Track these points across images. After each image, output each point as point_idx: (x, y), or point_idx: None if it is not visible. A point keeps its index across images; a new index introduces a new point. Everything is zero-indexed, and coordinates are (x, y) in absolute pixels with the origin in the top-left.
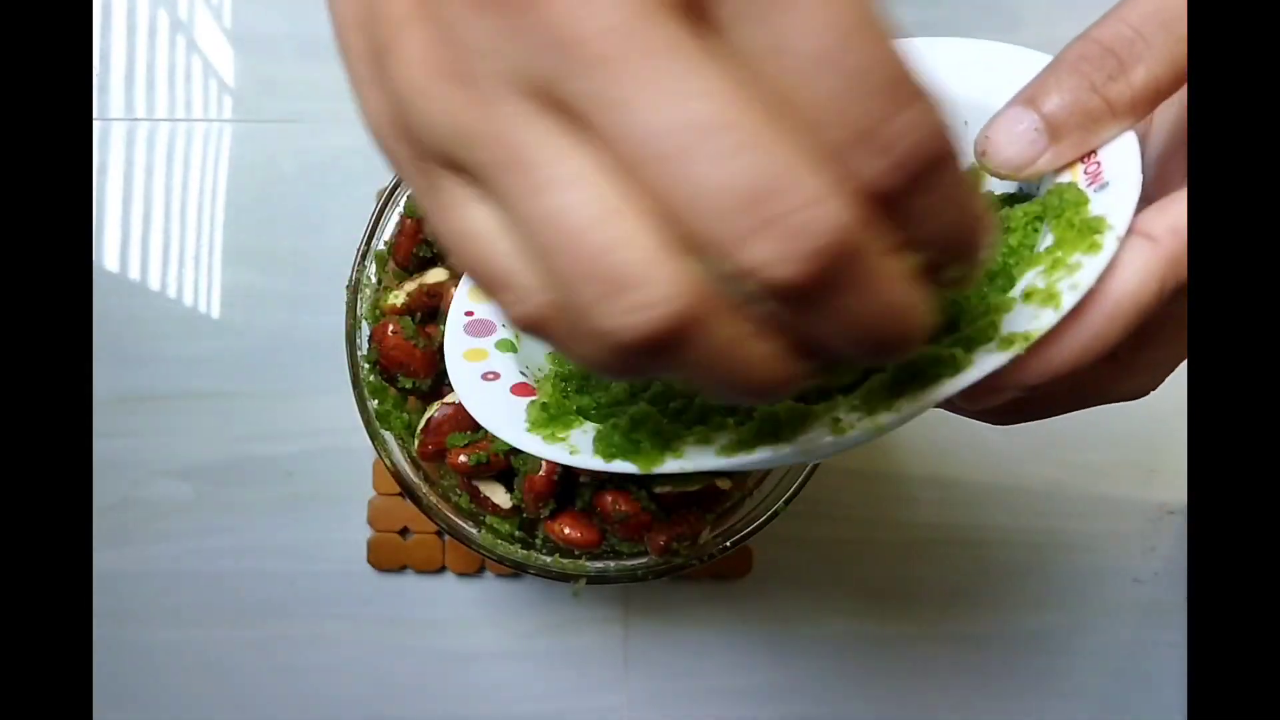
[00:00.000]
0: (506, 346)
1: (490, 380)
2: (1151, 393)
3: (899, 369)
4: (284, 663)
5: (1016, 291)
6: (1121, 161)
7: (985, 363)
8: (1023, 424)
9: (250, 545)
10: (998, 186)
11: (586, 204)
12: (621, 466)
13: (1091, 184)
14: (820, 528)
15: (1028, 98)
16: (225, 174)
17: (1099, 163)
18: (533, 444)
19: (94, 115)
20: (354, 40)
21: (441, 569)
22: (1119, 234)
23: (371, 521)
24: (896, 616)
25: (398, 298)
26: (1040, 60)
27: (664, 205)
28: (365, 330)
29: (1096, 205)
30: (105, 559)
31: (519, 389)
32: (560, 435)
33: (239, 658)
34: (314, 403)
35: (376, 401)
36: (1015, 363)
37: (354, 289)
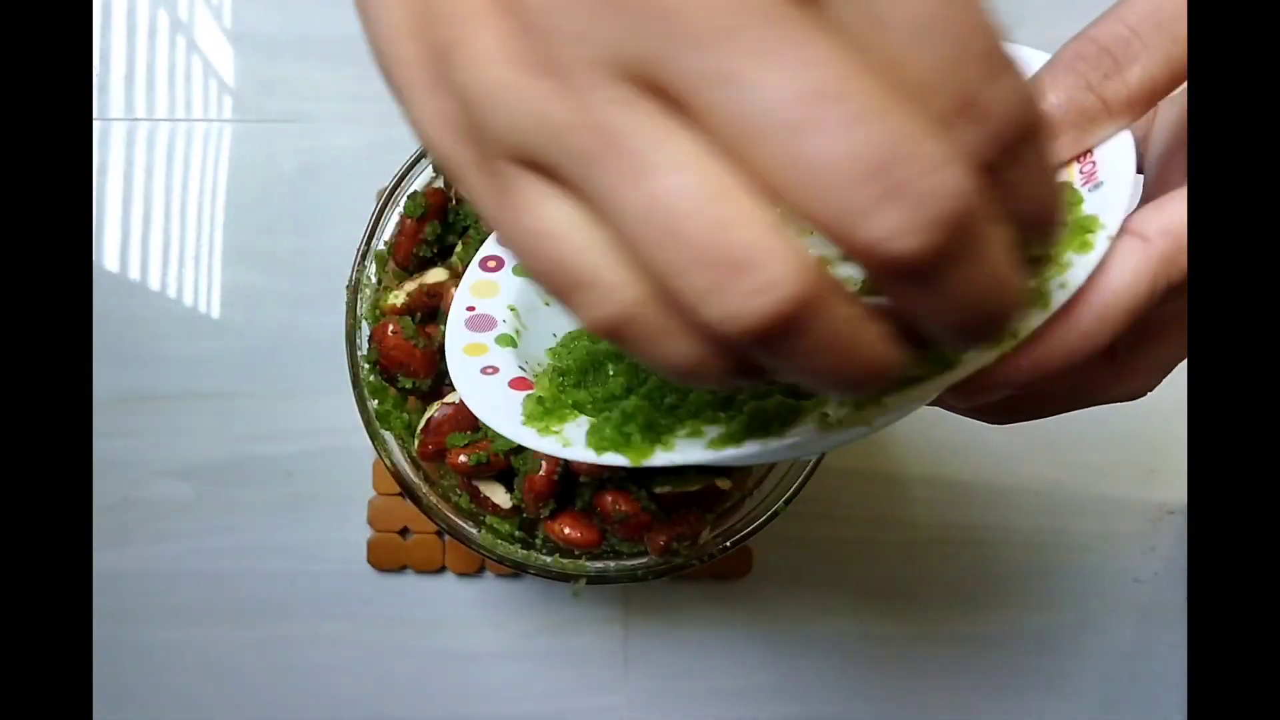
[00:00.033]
0: (506, 341)
1: (489, 374)
2: (1150, 393)
3: None
4: (284, 663)
5: None
6: (1116, 161)
7: (972, 361)
8: (1023, 424)
9: (250, 545)
10: None
11: (695, 187)
12: (612, 459)
13: (1086, 183)
14: (820, 528)
15: None
16: (225, 174)
17: (1094, 162)
18: (527, 437)
19: (94, 115)
20: (405, 47)
21: (441, 569)
22: (1110, 233)
23: (371, 521)
24: (897, 616)
25: (398, 298)
26: (1038, 59)
27: (776, 183)
28: (365, 330)
29: (1090, 204)
30: (105, 559)
31: (517, 383)
32: (555, 428)
33: (239, 658)
34: (314, 403)
35: (376, 401)
36: (1004, 361)
37: (354, 289)
